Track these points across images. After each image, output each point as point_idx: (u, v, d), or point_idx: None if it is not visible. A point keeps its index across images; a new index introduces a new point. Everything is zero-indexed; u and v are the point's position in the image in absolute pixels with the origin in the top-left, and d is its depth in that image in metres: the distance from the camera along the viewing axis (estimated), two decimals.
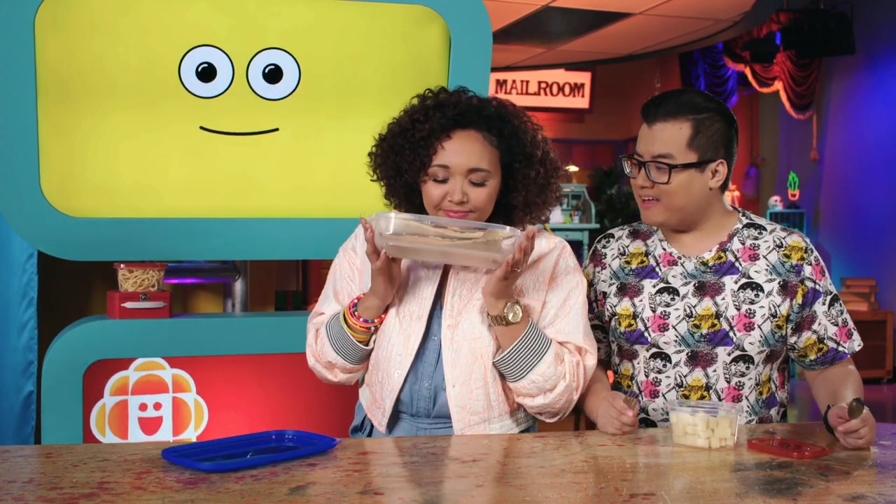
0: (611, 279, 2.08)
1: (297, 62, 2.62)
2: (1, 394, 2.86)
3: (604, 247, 2.14)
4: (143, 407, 2.56)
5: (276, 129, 2.62)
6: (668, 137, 1.94)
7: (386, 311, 1.91)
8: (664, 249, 2.05)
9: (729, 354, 1.96)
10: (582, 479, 1.53)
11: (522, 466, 1.61)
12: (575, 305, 1.92)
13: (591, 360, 1.91)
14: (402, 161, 1.88)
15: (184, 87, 2.54)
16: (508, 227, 1.77)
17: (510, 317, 1.81)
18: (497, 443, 1.78)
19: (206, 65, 2.54)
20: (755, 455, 1.69)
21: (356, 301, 1.90)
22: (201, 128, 2.56)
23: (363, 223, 1.79)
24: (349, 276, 2.00)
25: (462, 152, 1.84)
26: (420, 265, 1.95)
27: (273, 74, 2.59)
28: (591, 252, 2.18)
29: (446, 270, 1.94)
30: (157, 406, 2.56)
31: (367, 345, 1.91)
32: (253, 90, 2.59)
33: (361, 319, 1.88)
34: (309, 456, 1.63)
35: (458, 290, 1.91)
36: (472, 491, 1.45)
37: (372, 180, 1.99)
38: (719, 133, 1.96)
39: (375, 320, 1.89)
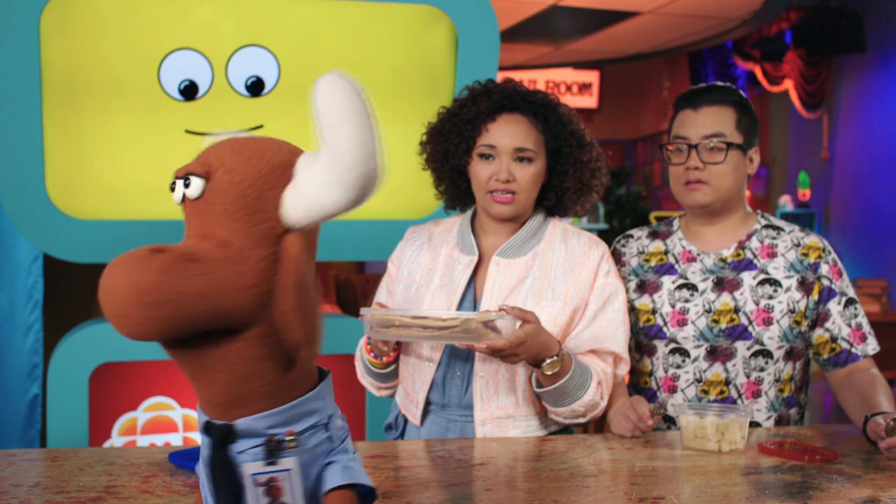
0: (629, 276, 2.10)
1: (277, 60, 2.57)
2: (6, 397, 2.85)
3: (623, 246, 2.16)
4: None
5: (261, 126, 2.59)
6: (719, 119, 2.00)
7: (398, 346, 1.93)
8: (683, 247, 2.08)
9: (748, 349, 1.97)
10: (591, 482, 1.51)
11: (531, 470, 1.59)
12: (618, 311, 1.91)
13: (624, 369, 1.91)
14: (448, 144, 1.93)
15: (164, 91, 2.51)
16: (487, 312, 1.70)
17: (545, 371, 1.76)
18: (506, 446, 1.77)
19: (187, 81, 2.52)
20: (766, 458, 1.67)
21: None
22: (186, 131, 2.54)
23: (361, 318, 1.77)
24: (386, 283, 2.04)
25: (507, 134, 1.88)
26: (456, 255, 1.95)
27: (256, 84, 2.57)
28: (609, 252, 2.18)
29: (482, 259, 1.93)
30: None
31: (385, 369, 1.95)
32: (234, 90, 2.55)
33: (372, 355, 1.94)
34: None
35: (498, 280, 1.89)
36: (480, 494, 1.43)
37: (423, 169, 2.03)
38: (753, 124, 2.04)
39: (384, 358, 1.93)
